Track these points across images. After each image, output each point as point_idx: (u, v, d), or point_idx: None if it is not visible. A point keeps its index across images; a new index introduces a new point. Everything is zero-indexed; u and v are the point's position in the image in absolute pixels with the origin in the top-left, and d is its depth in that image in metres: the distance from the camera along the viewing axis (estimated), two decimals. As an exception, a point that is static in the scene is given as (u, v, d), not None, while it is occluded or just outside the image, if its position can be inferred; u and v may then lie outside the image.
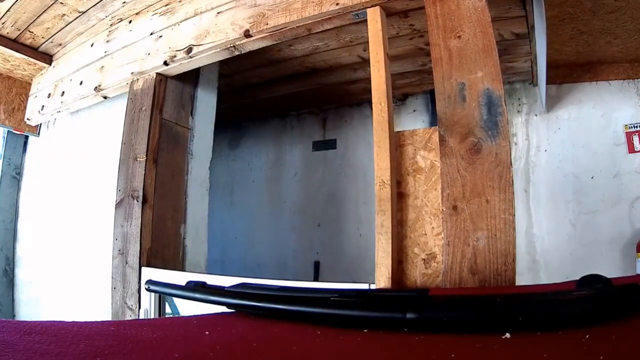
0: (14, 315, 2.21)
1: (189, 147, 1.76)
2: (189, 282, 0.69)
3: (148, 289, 0.76)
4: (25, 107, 2.32)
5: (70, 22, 1.88)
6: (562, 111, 2.19)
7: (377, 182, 1.08)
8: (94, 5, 1.76)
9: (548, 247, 2.09)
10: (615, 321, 0.44)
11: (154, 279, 1.46)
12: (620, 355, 0.38)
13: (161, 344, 0.50)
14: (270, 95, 2.56)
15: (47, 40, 2.05)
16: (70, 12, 1.80)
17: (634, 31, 1.69)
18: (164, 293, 0.79)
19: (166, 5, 1.70)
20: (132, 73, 1.72)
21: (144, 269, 1.49)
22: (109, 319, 1.52)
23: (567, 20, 1.63)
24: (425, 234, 1.06)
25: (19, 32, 1.95)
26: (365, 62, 2.02)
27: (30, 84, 2.37)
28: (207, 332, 0.55)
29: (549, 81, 2.01)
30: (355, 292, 0.59)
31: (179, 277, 1.41)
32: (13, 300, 2.24)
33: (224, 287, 0.67)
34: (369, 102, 1.23)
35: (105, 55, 1.88)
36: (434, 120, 2.25)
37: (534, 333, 0.46)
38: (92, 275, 1.75)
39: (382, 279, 1.02)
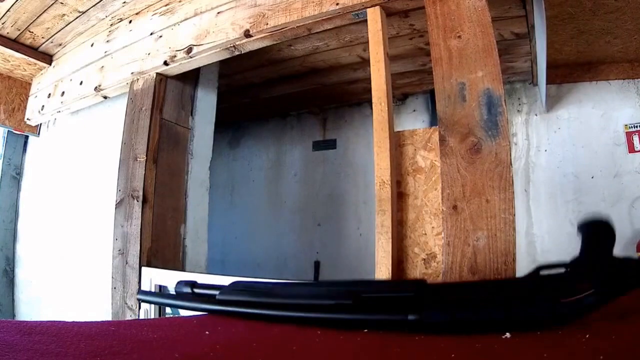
0: (14, 315, 2.21)
1: (189, 147, 1.76)
2: (179, 283, 0.68)
3: (140, 300, 0.75)
4: (25, 107, 2.32)
5: (70, 22, 1.88)
6: (562, 111, 2.19)
7: (377, 182, 1.08)
8: (94, 5, 1.76)
9: (548, 247, 2.09)
10: (616, 317, 0.44)
11: (154, 280, 1.46)
12: (620, 354, 0.38)
13: (161, 344, 0.50)
14: (270, 95, 2.56)
15: (47, 40, 2.05)
16: (70, 12, 1.80)
17: (634, 31, 1.69)
18: (155, 303, 0.77)
19: (166, 5, 1.70)
20: (132, 73, 1.71)
21: (144, 269, 1.49)
22: (109, 319, 1.52)
23: (567, 20, 1.63)
24: (425, 234, 1.06)
25: (19, 32, 1.95)
26: (365, 62, 2.02)
27: (30, 84, 2.37)
28: (207, 332, 0.55)
29: (549, 81, 2.01)
30: (352, 283, 0.57)
31: (179, 277, 1.41)
32: (13, 300, 2.24)
33: (216, 285, 0.66)
34: (369, 102, 1.23)
35: (105, 55, 1.88)
36: (434, 120, 2.25)
37: (534, 333, 0.46)
38: (92, 275, 1.75)
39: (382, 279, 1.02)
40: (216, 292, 0.62)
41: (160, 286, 1.45)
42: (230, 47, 1.46)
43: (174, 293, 0.67)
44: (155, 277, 1.46)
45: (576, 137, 2.13)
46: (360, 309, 0.51)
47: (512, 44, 1.81)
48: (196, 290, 0.66)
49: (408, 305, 0.49)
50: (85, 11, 1.80)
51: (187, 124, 1.77)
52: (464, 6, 1.05)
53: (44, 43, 2.07)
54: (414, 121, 2.52)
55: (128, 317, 1.47)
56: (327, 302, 0.52)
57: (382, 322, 0.50)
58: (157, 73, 1.65)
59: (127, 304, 1.50)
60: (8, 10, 1.76)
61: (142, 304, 1.45)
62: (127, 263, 1.53)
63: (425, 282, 0.51)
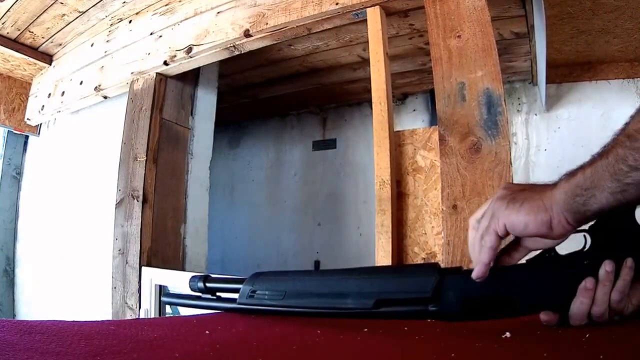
0: (14, 315, 2.21)
1: (189, 147, 1.76)
2: (192, 278, 0.68)
3: (165, 302, 0.75)
4: (25, 107, 2.32)
5: (70, 22, 1.88)
6: (561, 110, 2.19)
7: (377, 182, 1.08)
8: (94, 5, 1.76)
9: (548, 246, 2.09)
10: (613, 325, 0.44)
11: (154, 280, 1.46)
12: (620, 354, 0.38)
13: (161, 344, 0.50)
14: (270, 94, 2.56)
15: (47, 40, 2.05)
16: (70, 12, 1.80)
17: (633, 30, 1.69)
18: (180, 305, 0.77)
19: (166, 5, 1.70)
20: (132, 73, 1.71)
21: (144, 268, 1.49)
22: (109, 318, 1.52)
23: (566, 20, 1.62)
24: (425, 234, 1.06)
25: (19, 32, 1.95)
26: (365, 62, 2.02)
27: (30, 84, 2.36)
28: (207, 332, 0.55)
29: (549, 80, 2.00)
30: (369, 272, 0.57)
31: (180, 277, 1.41)
32: (13, 300, 2.24)
33: (234, 278, 0.65)
34: (369, 101, 1.23)
35: (105, 55, 1.88)
36: (433, 120, 2.25)
37: (534, 332, 0.46)
38: (92, 275, 1.75)
39: (382, 279, 1.02)
40: (235, 286, 0.63)
41: (160, 286, 1.45)
42: (230, 46, 1.46)
43: (194, 294, 0.67)
44: (155, 277, 1.46)
45: (576, 136, 2.13)
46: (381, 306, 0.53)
47: (512, 44, 1.81)
48: (213, 285, 0.66)
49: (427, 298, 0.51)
50: (85, 11, 1.80)
51: (187, 124, 1.77)
52: (463, 6, 1.05)
53: (44, 43, 2.07)
54: (414, 121, 2.52)
55: (128, 317, 1.48)
56: (349, 306, 0.53)
57: (403, 313, 0.52)
58: (157, 73, 1.65)
59: (127, 303, 1.50)
60: (8, 10, 1.76)
61: (142, 304, 1.45)
62: (127, 263, 1.53)
63: (439, 266, 0.52)
